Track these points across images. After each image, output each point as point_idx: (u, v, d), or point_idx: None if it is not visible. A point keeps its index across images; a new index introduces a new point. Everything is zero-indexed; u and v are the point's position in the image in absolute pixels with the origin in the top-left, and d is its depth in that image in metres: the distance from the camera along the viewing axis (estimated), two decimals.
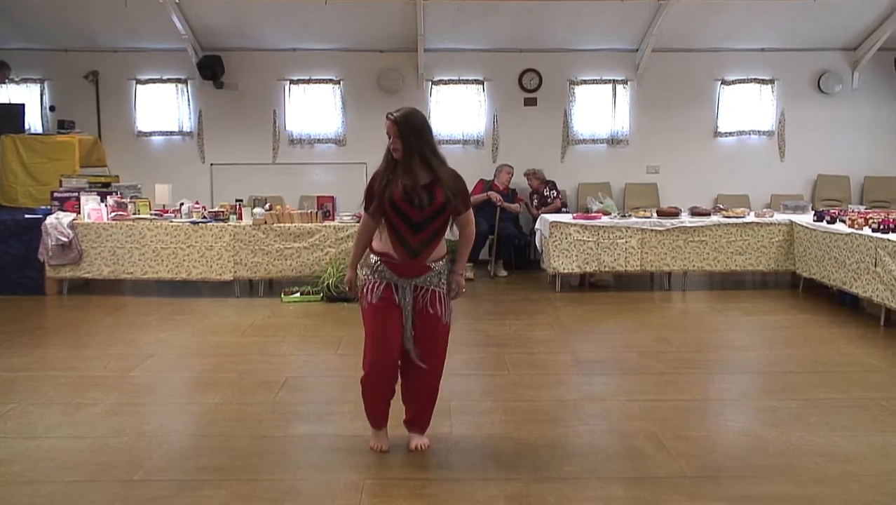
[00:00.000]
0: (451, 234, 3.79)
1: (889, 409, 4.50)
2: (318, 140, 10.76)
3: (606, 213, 8.70)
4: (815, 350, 5.91)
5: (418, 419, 3.91)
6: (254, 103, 10.67)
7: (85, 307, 7.72)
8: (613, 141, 10.81)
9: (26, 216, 8.31)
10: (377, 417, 3.87)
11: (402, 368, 3.80)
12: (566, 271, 8.41)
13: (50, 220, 8.06)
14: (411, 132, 3.58)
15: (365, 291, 3.72)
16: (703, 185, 10.64)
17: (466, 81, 10.70)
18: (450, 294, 3.82)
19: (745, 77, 10.77)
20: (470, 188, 9.60)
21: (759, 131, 10.86)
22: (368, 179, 3.72)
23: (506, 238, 9.61)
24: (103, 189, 8.90)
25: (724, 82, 10.77)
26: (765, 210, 8.98)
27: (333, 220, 8.33)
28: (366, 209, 3.73)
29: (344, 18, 9.81)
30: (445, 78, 10.68)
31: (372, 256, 3.74)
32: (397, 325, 3.68)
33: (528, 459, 3.78)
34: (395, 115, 3.61)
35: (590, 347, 6.20)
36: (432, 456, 3.82)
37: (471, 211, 3.82)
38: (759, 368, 5.51)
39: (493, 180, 9.90)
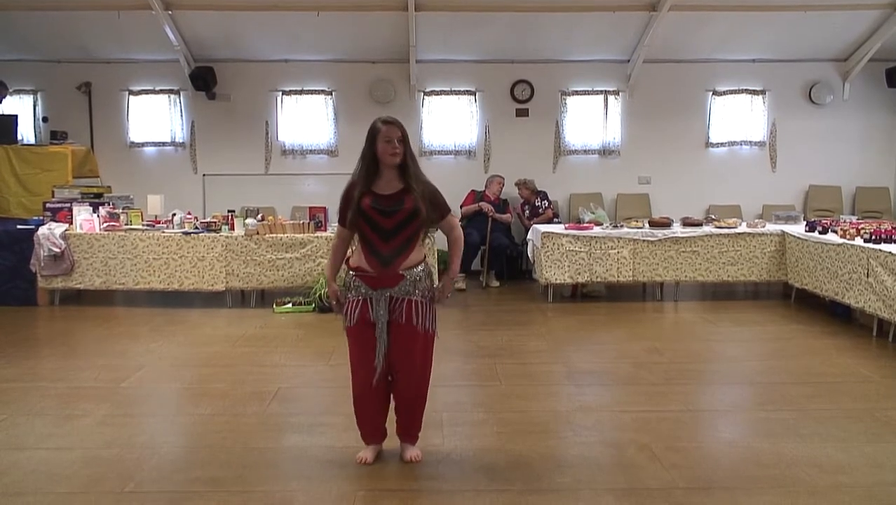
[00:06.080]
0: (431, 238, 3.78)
1: (881, 419, 4.50)
2: (311, 151, 10.77)
3: (598, 224, 8.71)
4: (808, 361, 5.92)
5: (408, 428, 3.91)
6: (246, 114, 10.68)
7: (76, 318, 7.69)
8: (605, 151, 10.84)
9: (18, 227, 8.29)
10: (367, 433, 3.88)
11: (392, 378, 3.80)
12: (558, 282, 8.41)
13: (42, 230, 8.05)
14: (407, 139, 3.67)
15: (346, 309, 3.73)
16: (694, 195, 10.69)
17: (458, 92, 10.72)
18: (436, 298, 3.81)
19: (736, 88, 10.83)
20: (461, 199, 9.80)
21: (750, 142, 10.91)
22: (344, 191, 3.72)
23: (497, 249, 9.61)
24: (95, 200, 8.90)
25: (715, 93, 10.82)
26: (757, 221, 8.99)
27: (325, 230, 8.32)
28: (341, 221, 3.75)
29: (336, 30, 9.84)
30: (437, 89, 10.70)
31: (349, 271, 3.75)
32: (374, 346, 3.67)
33: (520, 470, 3.77)
34: (393, 120, 3.67)
35: (582, 357, 6.18)
36: (424, 467, 3.81)
37: (451, 215, 3.83)
38: (752, 378, 5.52)
39: (485, 191, 9.91)
